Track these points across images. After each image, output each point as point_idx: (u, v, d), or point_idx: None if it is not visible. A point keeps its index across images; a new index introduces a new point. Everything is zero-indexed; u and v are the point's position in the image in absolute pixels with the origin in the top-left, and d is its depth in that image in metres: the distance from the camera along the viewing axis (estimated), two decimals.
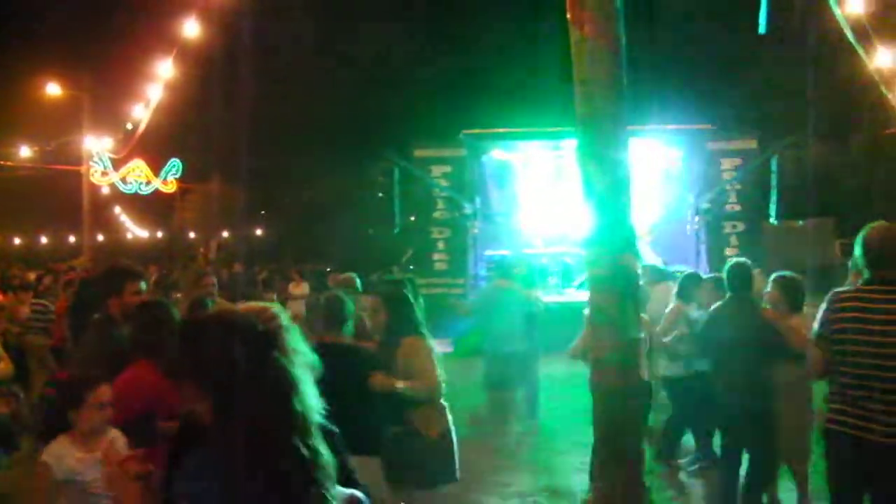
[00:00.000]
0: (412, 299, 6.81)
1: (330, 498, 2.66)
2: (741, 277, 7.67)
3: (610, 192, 5.21)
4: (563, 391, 11.29)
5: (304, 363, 2.74)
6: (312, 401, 2.70)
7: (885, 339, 4.93)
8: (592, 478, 7.18)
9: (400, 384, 6.00)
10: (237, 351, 2.57)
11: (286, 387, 2.62)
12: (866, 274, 5.27)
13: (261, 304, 2.94)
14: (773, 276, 7.90)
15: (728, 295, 7.65)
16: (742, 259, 8.24)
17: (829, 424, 5.31)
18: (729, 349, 7.30)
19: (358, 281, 10.47)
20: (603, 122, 5.23)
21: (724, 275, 7.85)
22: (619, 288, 5.24)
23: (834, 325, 5.22)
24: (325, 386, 2.89)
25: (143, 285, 6.15)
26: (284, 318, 2.78)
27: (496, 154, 24.37)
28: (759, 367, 7.17)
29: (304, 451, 2.60)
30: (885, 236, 5.26)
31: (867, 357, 4.94)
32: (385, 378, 6.00)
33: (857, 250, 5.32)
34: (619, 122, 5.27)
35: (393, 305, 6.62)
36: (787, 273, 7.86)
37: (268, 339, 2.65)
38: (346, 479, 3.04)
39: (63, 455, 4.63)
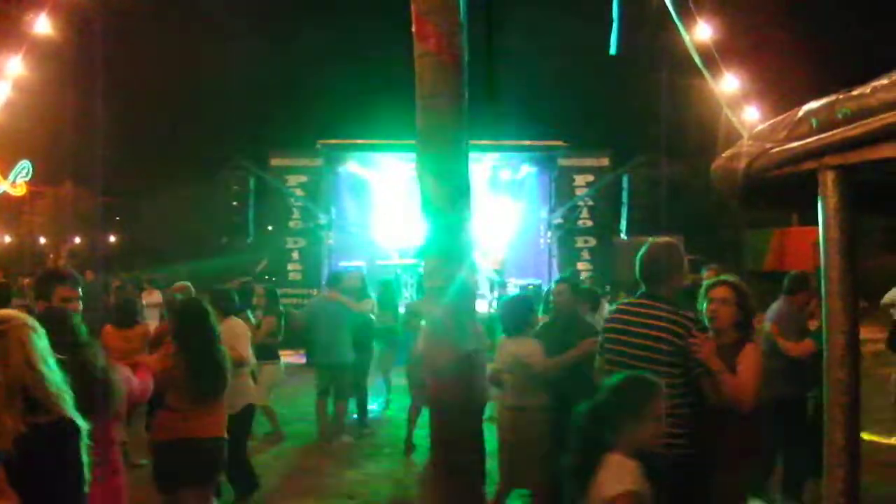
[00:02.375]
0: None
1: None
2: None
3: (448, 205, 5.22)
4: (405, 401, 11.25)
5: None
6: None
7: (637, 352, 4.96)
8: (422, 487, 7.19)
9: None
10: None
11: None
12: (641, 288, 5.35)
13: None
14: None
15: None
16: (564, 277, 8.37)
17: None
18: None
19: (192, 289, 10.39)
20: (443, 137, 5.23)
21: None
22: (456, 300, 5.25)
23: (604, 335, 5.32)
24: None
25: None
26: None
27: (352, 165, 24.28)
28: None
29: None
30: (649, 254, 5.40)
31: (623, 367, 4.78)
32: None
33: (637, 263, 5.42)
34: (459, 136, 5.28)
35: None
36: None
37: None
38: None
39: None
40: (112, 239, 55.53)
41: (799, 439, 7.60)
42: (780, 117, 2.51)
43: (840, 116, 2.15)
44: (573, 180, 24.53)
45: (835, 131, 2.15)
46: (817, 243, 2.31)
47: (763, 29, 26.78)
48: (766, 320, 8.15)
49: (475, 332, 5.72)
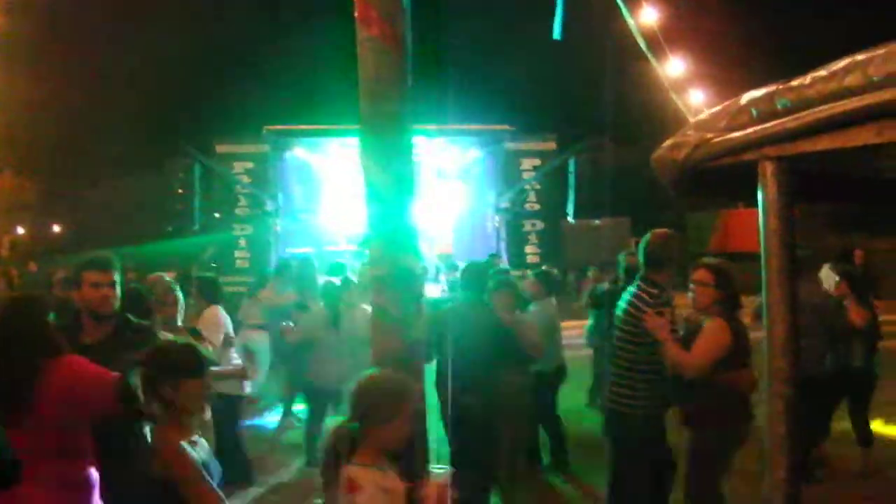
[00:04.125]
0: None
1: None
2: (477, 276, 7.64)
3: (392, 191, 5.18)
4: None
5: None
6: None
7: (617, 325, 5.99)
8: None
9: None
10: None
11: None
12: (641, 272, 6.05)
13: None
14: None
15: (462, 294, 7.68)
16: (480, 260, 8.41)
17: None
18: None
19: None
20: (386, 122, 5.19)
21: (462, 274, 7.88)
22: (402, 288, 5.22)
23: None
24: None
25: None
26: None
27: (298, 151, 24.13)
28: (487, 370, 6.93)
29: None
30: (655, 241, 6.02)
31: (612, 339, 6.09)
32: None
33: (640, 250, 6.09)
34: (403, 122, 5.24)
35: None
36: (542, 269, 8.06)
37: None
38: None
39: None
40: (56, 228, 54.77)
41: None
42: (721, 106, 2.51)
43: (779, 107, 2.15)
44: (520, 164, 24.60)
45: (773, 122, 2.15)
46: None
47: (708, 12, 27.00)
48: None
49: (422, 321, 5.69)
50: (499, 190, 24.22)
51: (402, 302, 5.22)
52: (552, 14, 13.56)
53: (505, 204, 24.13)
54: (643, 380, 5.78)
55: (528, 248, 24.70)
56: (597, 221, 30.68)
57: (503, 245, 23.86)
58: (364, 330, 8.60)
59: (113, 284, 4.95)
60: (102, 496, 4.24)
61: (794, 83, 2.11)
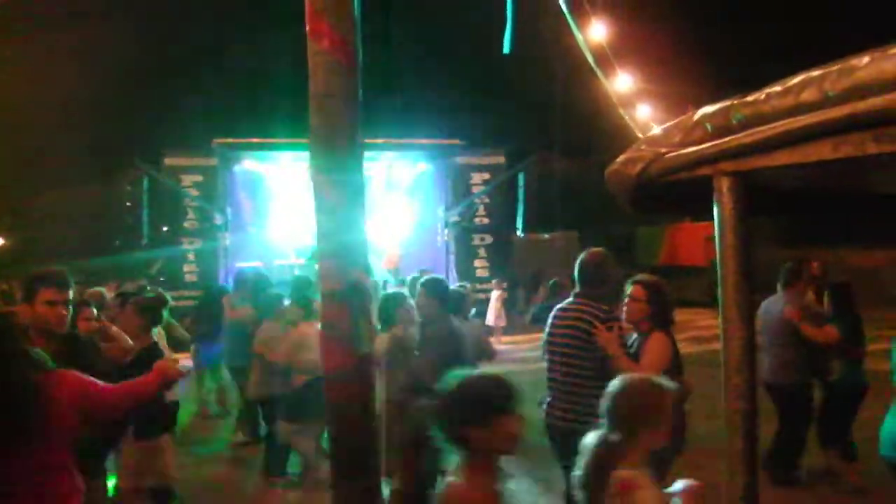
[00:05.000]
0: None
1: None
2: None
3: (342, 204, 5.16)
4: None
5: None
6: None
7: (561, 340, 6.06)
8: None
9: None
10: None
11: None
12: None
13: None
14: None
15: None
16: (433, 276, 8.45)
17: None
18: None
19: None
20: (336, 135, 5.16)
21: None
22: (351, 302, 5.19)
23: (546, 330, 6.30)
24: None
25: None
26: None
27: (248, 164, 23.98)
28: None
29: None
30: (586, 260, 6.21)
31: (555, 356, 6.11)
32: None
33: (576, 268, 6.20)
34: (353, 135, 5.22)
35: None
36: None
37: None
38: None
39: None
40: None
41: (801, 420, 8.42)
42: (674, 121, 2.51)
43: (735, 122, 2.15)
44: (470, 178, 24.73)
45: (729, 138, 2.15)
46: (711, 238, 2.32)
47: (656, 29, 27.24)
48: (764, 312, 8.55)
49: (371, 335, 5.67)
50: (448, 204, 24.29)
51: (352, 316, 5.19)
52: (503, 28, 13.61)
53: (454, 218, 24.21)
54: (595, 395, 5.69)
55: (478, 262, 24.78)
56: (546, 235, 30.80)
57: (452, 258, 23.93)
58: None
59: (67, 303, 4.92)
60: None
61: (750, 98, 2.11)
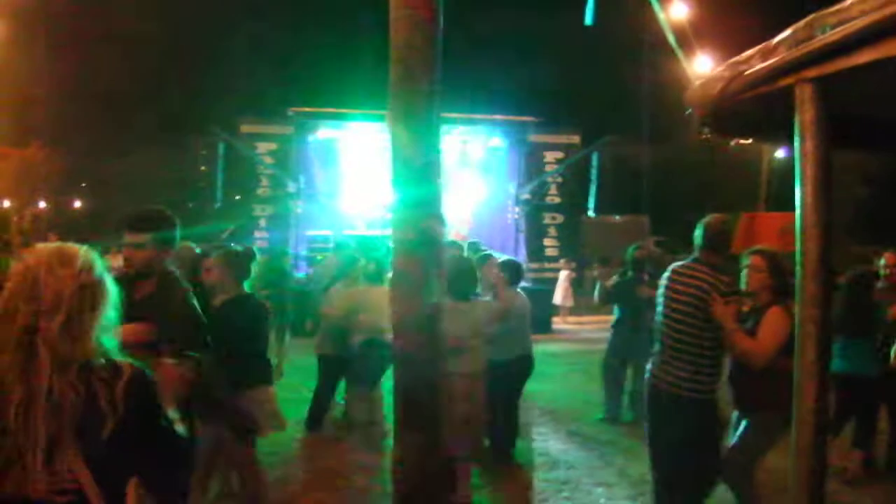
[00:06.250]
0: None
1: None
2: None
3: (417, 155, 5.17)
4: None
5: None
6: None
7: (679, 307, 5.84)
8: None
9: None
10: None
11: None
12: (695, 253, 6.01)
13: None
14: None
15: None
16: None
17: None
18: None
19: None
20: (415, 86, 5.17)
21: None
22: (423, 252, 5.19)
23: (659, 293, 6.14)
24: None
25: None
26: None
27: (322, 134, 24.11)
28: None
29: None
30: (709, 224, 6.05)
31: (669, 321, 5.89)
32: None
33: (697, 231, 6.02)
34: (431, 88, 5.21)
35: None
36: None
37: None
38: None
39: None
40: (78, 203, 54.75)
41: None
42: (755, 48, 2.49)
43: (818, 34, 2.12)
44: (543, 157, 24.67)
45: (813, 40, 2.11)
46: (786, 229, 2.29)
47: (739, 8, 26.86)
48: None
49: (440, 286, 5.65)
50: (520, 181, 24.20)
51: (424, 267, 5.20)
52: (584, 3, 13.53)
53: (526, 195, 24.14)
54: (709, 364, 5.75)
55: (547, 241, 24.74)
56: (617, 217, 30.63)
57: (522, 237, 23.85)
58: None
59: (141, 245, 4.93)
60: None
61: (834, 8, 2.07)
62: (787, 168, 31.19)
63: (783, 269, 5.88)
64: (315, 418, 9.72)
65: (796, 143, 2.24)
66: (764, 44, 2.41)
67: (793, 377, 5.35)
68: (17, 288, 2.66)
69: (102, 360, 2.71)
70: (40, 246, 2.89)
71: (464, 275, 7.21)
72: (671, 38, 16.36)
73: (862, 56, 1.94)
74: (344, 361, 9.35)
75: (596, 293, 11.01)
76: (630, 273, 10.74)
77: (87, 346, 2.68)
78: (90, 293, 2.74)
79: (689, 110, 2.68)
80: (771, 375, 5.47)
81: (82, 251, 2.83)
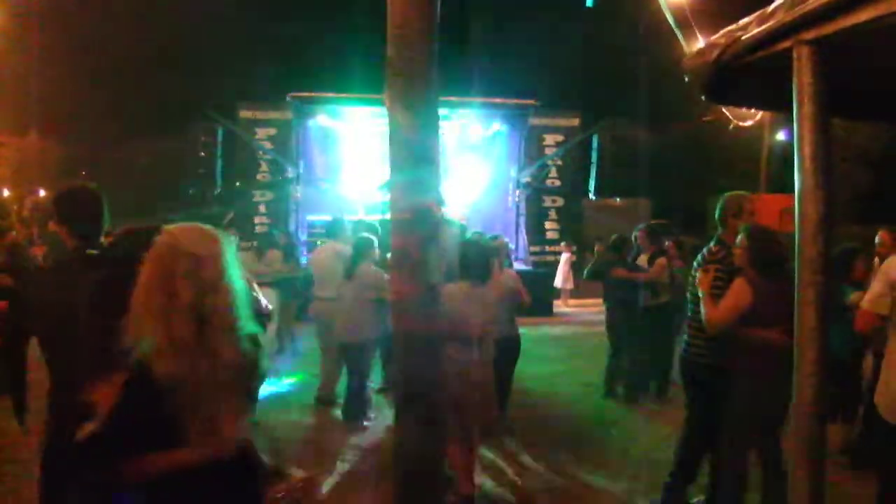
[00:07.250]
0: None
1: None
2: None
3: (415, 135, 5.14)
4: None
5: None
6: None
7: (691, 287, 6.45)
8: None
9: None
10: None
11: None
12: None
13: None
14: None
15: None
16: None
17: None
18: None
19: None
20: (413, 66, 5.14)
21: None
22: (422, 231, 5.17)
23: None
24: None
25: None
26: None
27: (322, 119, 24.00)
28: None
29: None
30: (729, 201, 6.73)
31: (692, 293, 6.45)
32: None
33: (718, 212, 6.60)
34: (429, 67, 5.18)
35: None
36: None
37: None
38: None
39: None
40: None
41: None
42: (752, 15, 2.45)
43: None
44: (543, 140, 24.63)
45: (809, 1, 2.07)
46: (787, 210, 2.26)
47: None
48: None
49: (440, 265, 5.61)
50: (520, 164, 24.13)
51: (423, 245, 5.18)
52: None
53: (526, 178, 24.09)
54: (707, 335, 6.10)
55: (548, 224, 24.72)
56: (618, 200, 30.60)
57: (522, 220, 23.79)
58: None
59: None
60: None
61: None
62: (787, 151, 31.13)
63: (769, 246, 6.00)
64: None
65: (794, 107, 2.20)
66: (761, 10, 2.37)
67: (761, 348, 5.40)
68: (173, 266, 2.94)
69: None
70: (179, 225, 3.18)
71: (480, 258, 7.12)
72: (671, 20, 16.30)
73: (862, 14, 1.91)
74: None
75: (585, 271, 11.43)
76: (611, 253, 10.93)
77: (237, 316, 2.98)
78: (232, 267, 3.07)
79: (687, 77, 2.64)
80: (742, 345, 5.81)
81: (217, 231, 3.17)
